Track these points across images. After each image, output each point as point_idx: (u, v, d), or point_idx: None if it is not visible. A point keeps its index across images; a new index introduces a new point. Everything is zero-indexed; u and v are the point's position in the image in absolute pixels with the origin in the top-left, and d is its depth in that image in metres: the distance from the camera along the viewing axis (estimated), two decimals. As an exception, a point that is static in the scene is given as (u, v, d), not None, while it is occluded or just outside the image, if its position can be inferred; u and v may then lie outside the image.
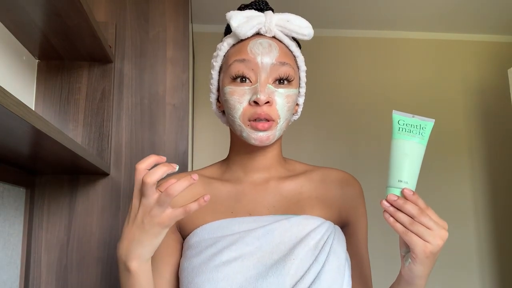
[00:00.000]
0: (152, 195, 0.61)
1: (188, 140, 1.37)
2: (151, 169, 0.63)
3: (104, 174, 1.28)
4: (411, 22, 2.56)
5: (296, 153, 2.48)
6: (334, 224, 0.80)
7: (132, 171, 1.30)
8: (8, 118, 0.63)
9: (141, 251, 0.63)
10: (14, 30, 1.08)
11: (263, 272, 0.70)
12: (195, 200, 0.62)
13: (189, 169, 1.45)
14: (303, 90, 0.83)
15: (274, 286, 0.69)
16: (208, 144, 2.42)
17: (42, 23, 1.04)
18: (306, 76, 0.83)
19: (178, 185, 0.60)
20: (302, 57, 0.82)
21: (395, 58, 2.67)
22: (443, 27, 2.63)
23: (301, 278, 0.70)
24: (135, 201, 0.63)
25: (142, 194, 0.62)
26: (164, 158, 0.64)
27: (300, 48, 0.84)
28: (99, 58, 1.28)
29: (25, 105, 0.64)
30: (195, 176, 0.62)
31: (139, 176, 0.62)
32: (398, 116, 0.68)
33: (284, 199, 0.79)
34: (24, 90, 1.21)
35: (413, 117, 0.68)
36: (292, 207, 0.78)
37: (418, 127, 0.68)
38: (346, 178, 0.85)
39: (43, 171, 1.23)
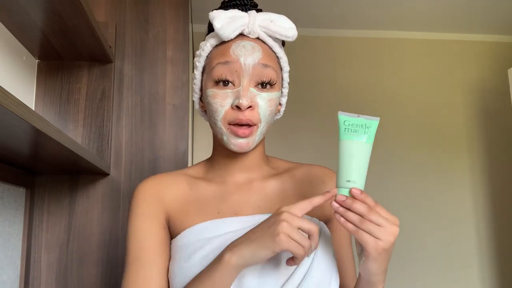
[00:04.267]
0: (308, 235, 0.65)
1: (188, 140, 1.37)
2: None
3: (104, 174, 1.28)
4: (411, 22, 2.56)
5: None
6: (319, 220, 0.80)
7: (132, 171, 1.30)
8: (8, 118, 0.63)
9: (243, 251, 0.65)
10: (14, 30, 1.08)
11: (253, 272, 0.70)
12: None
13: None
14: (285, 91, 0.84)
15: (265, 284, 0.69)
16: (208, 144, 2.41)
17: (42, 23, 1.04)
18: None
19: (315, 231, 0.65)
20: (286, 58, 0.82)
21: (395, 58, 2.67)
22: (443, 27, 2.63)
23: (291, 275, 0.70)
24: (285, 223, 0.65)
25: (306, 228, 0.65)
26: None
27: (283, 45, 0.83)
28: (99, 58, 1.28)
29: (25, 105, 0.64)
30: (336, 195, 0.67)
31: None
32: (343, 117, 0.69)
33: (268, 198, 0.80)
34: (24, 90, 1.21)
35: (358, 117, 0.69)
36: (276, 206, 0.78)
37: (364, 126, 0.68)
38: (327, 173, 0.86)
39: (43, 171, 1.23)
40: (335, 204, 0.66)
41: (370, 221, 0.64)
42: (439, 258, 2.46)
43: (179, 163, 1.31)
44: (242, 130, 0.74)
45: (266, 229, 0.65)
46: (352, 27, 2.62)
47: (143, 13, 1.38)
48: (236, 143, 0.75)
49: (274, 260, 0.71)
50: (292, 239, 0.63)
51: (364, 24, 2.57)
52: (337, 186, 0.67)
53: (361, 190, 0.66)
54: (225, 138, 0.75)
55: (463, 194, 2.56)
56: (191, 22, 1.67)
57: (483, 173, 2.61)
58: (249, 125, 0.74)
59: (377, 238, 0.64)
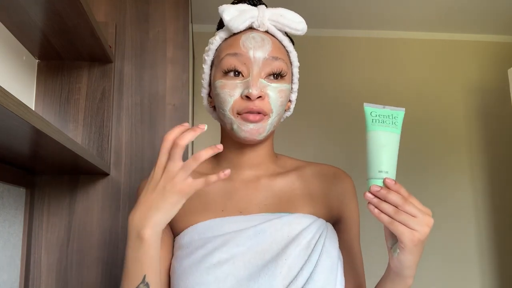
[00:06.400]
0: (179, 160, 0.63)
1: (188, 140, 1.37)
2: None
3: (104, 174, 1.28)
4: (411, 22, 2.56)
5: (294, 152, 2.47)
6: (326, 221, 0.79)
7: (132, 171, 1.30)
8: (8, 118, 0.63)
9: (158, 219, 0.63)
10: (14, 30, 1.08)
11: (255, 273, 0.69)
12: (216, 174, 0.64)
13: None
14: (295, 86, 0.83)
15: (266, 287, 0.67)
16: (208, 144, 2.41)
17: (42, 23, 1.04)
18: (304, 74, 0.83)
19: (205, 152, 0.63)
20: (295, 52, 0.81)
21: (395, 58, 2.67)
22: (443, 27, 2.63)
23: (293, 279, 0.69)
24: (157, 170, 0.64)
25: (169, 158, 0.63)
26: (187, 125, 0.66)
27: (293, 44, 0.83)
28: (99, 58, 1.28)
29: (25, 105, 0.64)
30: (220, 146, 0.65)
31: (167, 144, 0.64)
32: (370, 108, 0.69)
33: (275, 197, 0.79)
34: (24, 90, 1.21)
35: (383, 108, 0.69)
36: (283, 205, 0.78)
37: (391, 117, 0.68)
38: (337, 173, 0.84)
39: (43, 171, 1.23)
40: (369, 195, 0.64)
41: (405, 211, 0.62)
42: (439, 257, 2.46)
43: (179, 163, 1.31)
44: (253, 116, 0.72)
45: (161, 190, 0.63)
46: (354, 27, 2.62)
47: (143, 13, 1.38)
48: (247, 129, 0.73)
49: (274, 264, 0.69)
50: (186, 185, 0.63)
51: (364, 24, 2.57)
52: (369, 177, 0.66)
53: (394, 181, 0.64)
54: (235, 126, 0.74)
55: (463, 193, 2.56)
56: (191, 22, 1.67)
57: (483, 172, 2.61)
58: (259, 113, 0.73)
59: (412, 229, 0.62)
